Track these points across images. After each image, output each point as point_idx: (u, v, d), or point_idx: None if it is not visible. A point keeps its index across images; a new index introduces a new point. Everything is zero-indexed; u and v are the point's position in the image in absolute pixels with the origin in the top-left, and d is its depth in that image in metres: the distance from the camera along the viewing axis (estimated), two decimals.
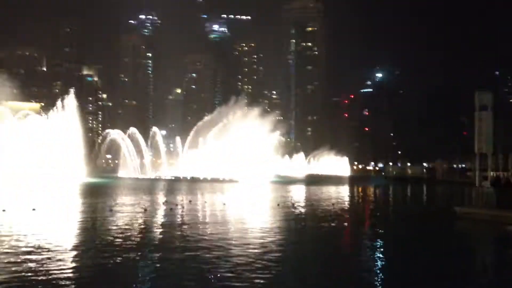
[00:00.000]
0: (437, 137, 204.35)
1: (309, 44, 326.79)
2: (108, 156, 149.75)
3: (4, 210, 31.74)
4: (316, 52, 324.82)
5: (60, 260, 17.56)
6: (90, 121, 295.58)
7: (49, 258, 17.66)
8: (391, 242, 24.86)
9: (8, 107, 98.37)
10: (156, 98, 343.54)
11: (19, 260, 17.30)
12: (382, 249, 22.97)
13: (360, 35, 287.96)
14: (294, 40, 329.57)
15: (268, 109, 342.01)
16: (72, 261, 17.61)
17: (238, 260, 17.99)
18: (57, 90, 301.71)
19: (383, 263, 19.74)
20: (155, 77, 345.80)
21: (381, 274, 17.55)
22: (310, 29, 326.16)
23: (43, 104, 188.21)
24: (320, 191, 68.69)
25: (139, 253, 19.48)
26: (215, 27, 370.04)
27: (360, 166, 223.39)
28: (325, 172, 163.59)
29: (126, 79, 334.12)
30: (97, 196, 50.40)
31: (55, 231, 25.38)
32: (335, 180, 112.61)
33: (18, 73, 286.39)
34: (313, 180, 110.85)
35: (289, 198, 53.16)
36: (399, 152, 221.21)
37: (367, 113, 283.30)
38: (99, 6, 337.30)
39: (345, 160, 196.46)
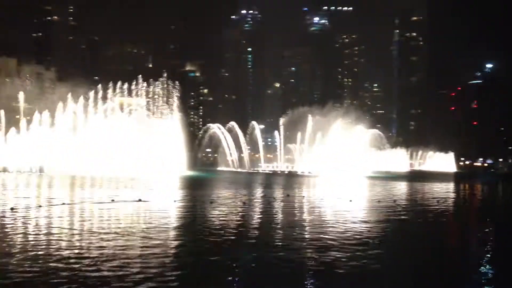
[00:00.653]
0: None
1: (414, 34, 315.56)
2: (208, 150, 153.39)
3: (112, 200, 33.35)
4: (421, 42, 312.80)
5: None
6: (192, 116, 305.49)
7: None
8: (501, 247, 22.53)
9: (117, 102, 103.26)
10: (255, 92, 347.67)
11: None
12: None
13: (468, 24, 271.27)
14: (397, 30, 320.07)
15: (369, 103, 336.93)
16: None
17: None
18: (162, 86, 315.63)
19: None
20: (255, 72, 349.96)
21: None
22: (415, 18, 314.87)
23: (149, 99, 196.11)
24: (424, 188, 65.57)
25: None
26: (316, 19, 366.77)
27: (467, 162, 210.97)
28: (429, 168, 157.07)
29: (227, 74, 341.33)
30: (199, 189, 51.53)
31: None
32: (440, 177, 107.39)
33: (127, 70, 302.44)
34: (415, 176, 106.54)
35: (390, 195, 50.97)
36: (510, 148, 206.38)
37: (475, 106, 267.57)
38: (201, 2, 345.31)
39: (450, 155, 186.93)
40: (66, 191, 42.68)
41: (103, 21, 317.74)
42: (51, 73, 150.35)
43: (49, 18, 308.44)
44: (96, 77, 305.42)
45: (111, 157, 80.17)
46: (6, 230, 21.30)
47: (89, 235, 20.68)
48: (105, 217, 26.44)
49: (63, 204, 30.76)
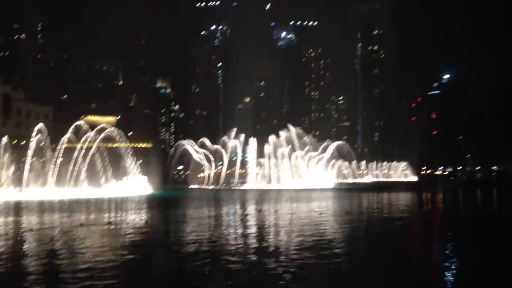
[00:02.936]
0: (508, 138, 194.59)
1: (376, 47, 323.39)
2: (180, 167, 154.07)
3: (82, 225, 34.24)
4: (383, 55, 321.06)
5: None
6: (163, 133, 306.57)
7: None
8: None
9: (86, 121, 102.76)
10: (226, 107, 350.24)
11: None
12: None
13: (427, 36, 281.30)
14: (360, 44, 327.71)
15: (335, 115, 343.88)
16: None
17: None
18: (132, 103, 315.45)
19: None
20: (225, 87, 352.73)
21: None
22: (376, 32, 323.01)
23: (119, 117, 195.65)
24: (387, 198, 68.70)
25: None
26: (283, 34, 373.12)
27: (428, 171, 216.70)
28: (392, 178, 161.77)
29: (197, 90, 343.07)
30: (168, 208, 53.03)
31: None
32: (403, 186, 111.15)
33: (96, 87, 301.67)
34: (379, 187, 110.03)
35: (355, 206, 53.63)
36: (468, 156, 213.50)
37: (434, 116, 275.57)
38: (172, 19, 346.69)
39: (413, 165, 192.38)
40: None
41: (72, 38, 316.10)
42: (18, 93, 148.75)
43: (17, 36, 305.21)
44: (65, 96, 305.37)
45: (81, 179, 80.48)
46: None
47: None
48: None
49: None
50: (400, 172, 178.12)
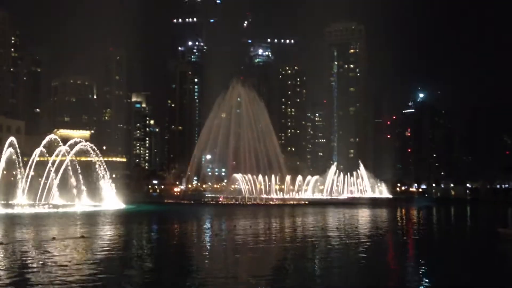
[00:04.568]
0: (480, 157, 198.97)
1: (351, 65, 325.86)
2: (155, 181, 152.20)
3: (54, 238, 33.24)
4: (358, 74, 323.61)
5: None
6: (138, 147, 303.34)
7: None
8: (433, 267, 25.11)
9: (59, 135, 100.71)
10: (201, 123, 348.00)
11: None
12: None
13: (402, 56, 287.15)
14: (336, 62, 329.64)
15: (311, 132, 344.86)
16: None
17: None
18: (106, 118, 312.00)
19: None
20: (201, 102, 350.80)
21: None
22: (352, 50, 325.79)
23: (93, 131, 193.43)
24: (362, 214, 68.73)
25: None
26: (260, 51, 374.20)
27: (403, 188, 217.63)
28: (367, 194, 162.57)
29: (173, 105, 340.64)
30: (143, 223, 51.98)
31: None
32: (378, 202, 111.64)
33: (70, 101, 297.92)
34: (355, 202, 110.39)
35: (331, 222, 53.53)
36: (442, 173, 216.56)
37: (409, 134, 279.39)
38: (148, 34, 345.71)
39: (387, 181, 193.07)
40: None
41: (46, 52, 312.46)
42: None
43: None
44: (37, 109, 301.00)
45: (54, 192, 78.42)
46: None
47: None
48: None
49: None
50: (375, 188, 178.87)
